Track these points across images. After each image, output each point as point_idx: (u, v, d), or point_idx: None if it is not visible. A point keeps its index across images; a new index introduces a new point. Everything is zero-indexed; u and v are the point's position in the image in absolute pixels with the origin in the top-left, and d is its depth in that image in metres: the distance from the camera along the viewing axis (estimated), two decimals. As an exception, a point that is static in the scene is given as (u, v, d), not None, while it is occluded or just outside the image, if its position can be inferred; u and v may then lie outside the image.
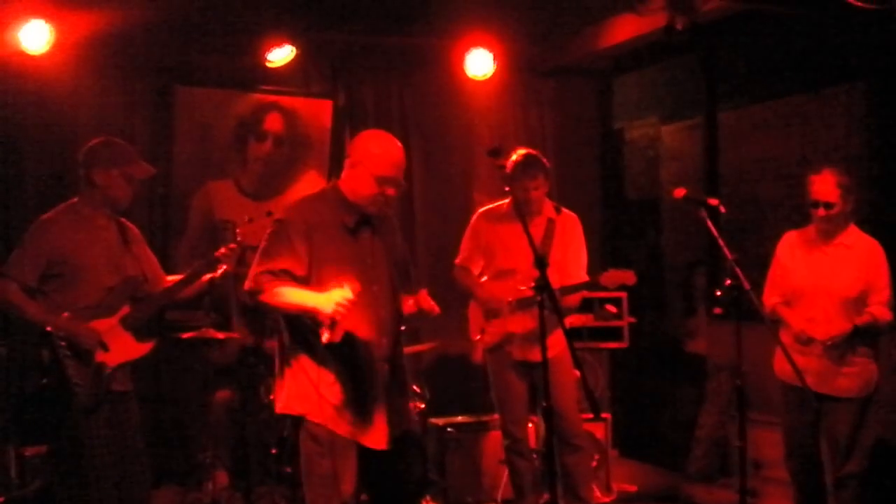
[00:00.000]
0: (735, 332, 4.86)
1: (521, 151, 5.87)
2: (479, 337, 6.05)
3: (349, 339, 4.18)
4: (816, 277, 5.41)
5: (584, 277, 5.88)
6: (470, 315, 6.14)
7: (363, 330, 4.28)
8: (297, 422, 4.32)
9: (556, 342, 5.47)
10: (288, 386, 4.34)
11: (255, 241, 5.13)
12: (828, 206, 5.32)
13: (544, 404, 4.32)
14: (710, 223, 4.88)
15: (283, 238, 4.24)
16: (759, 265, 6.26)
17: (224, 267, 5.16)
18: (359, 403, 4.27)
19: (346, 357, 4.24)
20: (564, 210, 6.03)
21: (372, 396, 4.30)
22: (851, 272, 5.33)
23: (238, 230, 5.19)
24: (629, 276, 5.72)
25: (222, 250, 5.14)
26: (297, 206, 4.40)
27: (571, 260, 5.90)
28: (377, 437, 4.31)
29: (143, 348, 5.04)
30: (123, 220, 5.18)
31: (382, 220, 4.51)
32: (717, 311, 5.40)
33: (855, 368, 5.32)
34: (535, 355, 4.85)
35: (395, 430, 4.37)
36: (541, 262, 4.19)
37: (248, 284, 4.26)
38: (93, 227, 4.99)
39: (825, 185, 5.33)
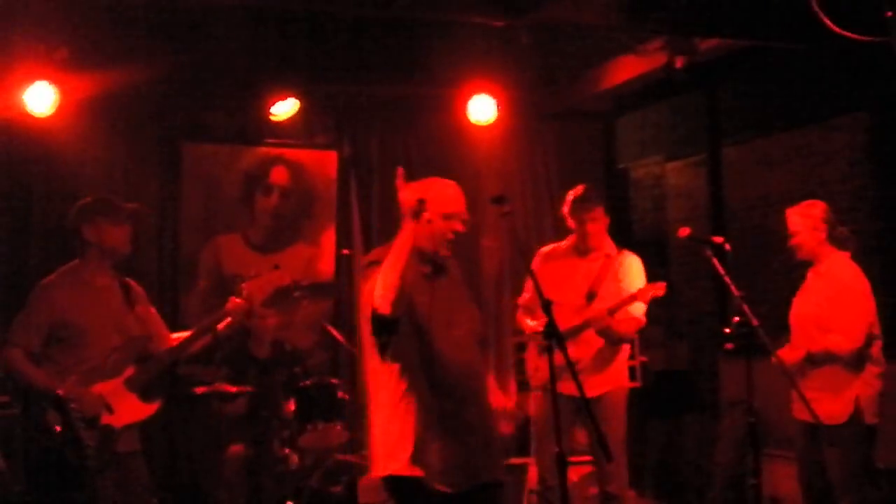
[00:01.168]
0: (746, 368, 4.84)
1: (581, 186, 5.89)
2: (533, 377, 5.94)
3: (436, 382, 4.19)
4: (796, 307, 5.51)
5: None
6: (527, 357, 6.08)
7: (447, 375, 4.24)
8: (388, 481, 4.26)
9: (608, 379, 5.44)
10: (381, 443, 4.28)
11: (261, 297, 5.13)
12: (789, 235, 5.45)
13: (556, 450, 4.18)
14: (715, 261, 4.88)
15: (378, 268, 4.19)
16: (767, 300, 6.26)
17: (228, 320, 5.07)
18: (441, 448, 4.18)
19: (432, 402, 4.19)
20: (626, 250, 6.00)
21: (455, 442, 4.21)
22: (815, 299, 5.36)
23: (243, 286, 5.09)
24: (660, 287, 5.63)
25: (231, 304, 5.07)
26: (379, 253, 4.35)
27: (626, 288, 5.76)
28: (453, 480, 4.18)
29: (149, 409, 5.00)
30: (128, 279, 5.16)
31: (452, 267, 4.50)
32: (728, 347, 5.37)
33: (825, 394, 5.20)
34: (587, 390, 4.71)
35: (475, 477, 4.25)
36: (546, 307, 4.15)
37: (377, 307, 4.13)
38: (95, 288, 4.98)
39: (790, 216, 5.46)
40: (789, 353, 5.29)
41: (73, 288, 4.94)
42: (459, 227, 4.38)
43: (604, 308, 5.61)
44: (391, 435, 4.22)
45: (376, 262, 4.22)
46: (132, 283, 5.19)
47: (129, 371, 4.94)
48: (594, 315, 5.61)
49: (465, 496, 4.20)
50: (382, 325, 4.17)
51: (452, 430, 4.22)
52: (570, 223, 5.83)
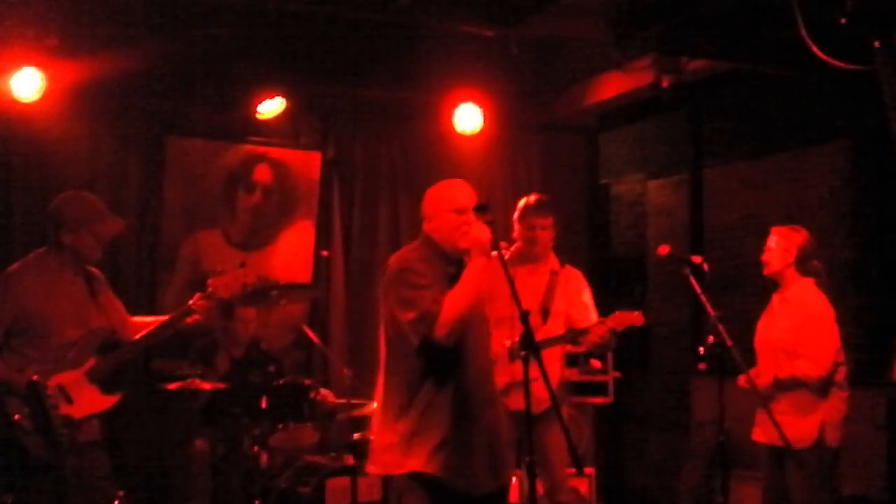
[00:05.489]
0: (718, 388, 4.88)
1: (534, 194, 5.88)
2: None
3: (458, 383, 4.19)
4: (762, 331, 5.52)
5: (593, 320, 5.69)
6: None
7: (467, 377, 4.25)
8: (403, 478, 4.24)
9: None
10: (396, 443, 4.24)
11: (227, 294, 5.11)
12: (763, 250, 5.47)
13: (528, 458, 4.22)
14: (693, 280, 4.91)
15: (417, 277, 4.18)
16: (742, 321, 6.27)
17: (196, 317, 5.03)
18: (460, 448, 4.21)
19: (452, 402, 4.20)
20: (568, 266, 6.00)
21: (474, 443, 4.25)
22: (783, 325, 5.38)
23: (209, 282, 5.06)
24: (637, 317, 5.60)
25: (195, 299, 5.03)
26: (409, 255, 4.34)
27: (578, 308, 5.75)
28: (474, 482, 4.22)
29: (109, 400, 4.94)
30: (90, 268, 5.12)
31: None
32: (701, 366, 5.39)
33: (791, 418, 5.21)
34: (534, 406, 4.74)
35: (492, 481, 4.29)
36: (524, 317, 4.15)
37: (417, 339, 4.11)
38: (59, 279, 4.90)
39: (772, 233, 5.48)
40: (758, 378, 5.32)
41: (37, 278, 4.86)
42: (481, 218, 4.26)
43: (595, 322, 5.60)
44: (412, 434, 4.20)
45: (402, 271, 4.21)
46: (94, 270, 5.13)
47: (91, 362, 4.89)
48: (594, 327, 5.53)
49: (482, 499, 4.24)
50: (431, 347, 4.12)
51: (473, 433, 4.24)
52: (518, 231, 5.75)
